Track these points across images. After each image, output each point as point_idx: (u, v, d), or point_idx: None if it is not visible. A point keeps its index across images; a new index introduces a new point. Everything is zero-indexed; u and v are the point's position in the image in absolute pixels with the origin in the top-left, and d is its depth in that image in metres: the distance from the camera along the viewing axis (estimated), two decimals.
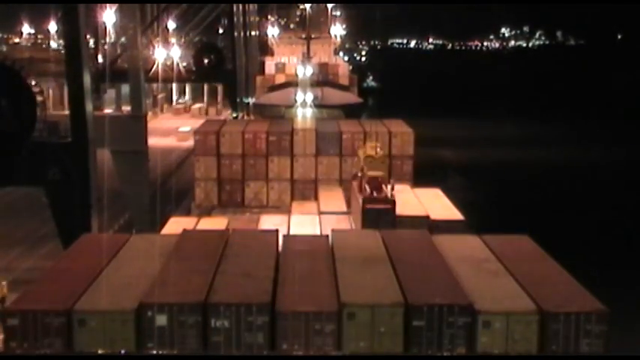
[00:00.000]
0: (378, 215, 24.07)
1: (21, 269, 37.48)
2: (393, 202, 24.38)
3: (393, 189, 24.91)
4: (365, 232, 20.26)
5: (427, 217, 23.87)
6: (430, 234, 20.48)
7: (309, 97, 67.46)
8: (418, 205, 25.44)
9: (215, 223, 26.26)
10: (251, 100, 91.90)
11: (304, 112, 66.14)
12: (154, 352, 14.76)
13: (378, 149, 26.32)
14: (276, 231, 19.98)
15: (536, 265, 17.73)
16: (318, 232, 25.02)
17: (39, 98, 27.76)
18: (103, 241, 19.66)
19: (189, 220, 26.82)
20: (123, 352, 14.72)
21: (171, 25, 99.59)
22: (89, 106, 28.30)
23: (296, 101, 67.62)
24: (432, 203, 25.89)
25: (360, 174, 26.46)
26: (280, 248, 18.71)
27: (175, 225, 24.64)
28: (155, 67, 67.63)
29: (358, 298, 15.20)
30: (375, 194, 24.80)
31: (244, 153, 30.45)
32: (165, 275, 16.35)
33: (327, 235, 19.63)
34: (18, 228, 45.38)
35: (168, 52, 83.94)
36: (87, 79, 28.04)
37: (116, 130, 42.11)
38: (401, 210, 24.23)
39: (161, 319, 14.76)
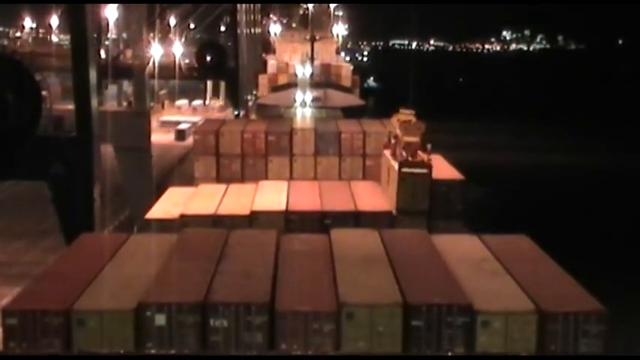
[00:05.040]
0: (415, 180, 24.21)
1: (22, 263, 37.62)
2: (430, 167, 24.64)
3: (429, 154, 25.18)
4: (364, 232, 20.26)
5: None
6: (429, 234, 20.49)
7: (309, 97, 67.55)
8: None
9: None
10: (250, 99, 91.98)
11: (303, 111, 66.17)
12: (153, 351, 14.76)
13: (413, 118, 26.67)
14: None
15: (535, 264, 17.75)
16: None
17: (43, 92, 27.71)
18: (102, 240, 19.67)
19: None
20: (122, 351, 14.71)
21: (173, 22, 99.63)
22: (94, 102, 28.25)
23: (295, 101, 67.69)
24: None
25: (393, 141, 26.63)
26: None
27: None
28: (151, 63, 67.73)
29: (357, 298, 15.21)
30: (410, 159, 24.96)
31: (243, 153, 30.36)
32: (164, 275, 16.39)
33: (327, 235, 19.64)
34: (20, 221, 45.55)
35: (165, 50, 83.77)
36: (92, 74, 27.99)
37: (119, 126, 42.19)
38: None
39: (160, 319, 14.76)
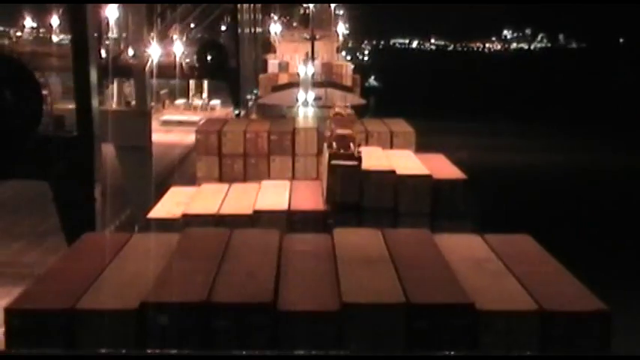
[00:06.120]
0: (344, 172, 24.13)
1: (23, 263, 37.63)
2: (359, 159, 24.66)
3: (359, 147, 25.38)
4: (366, 232, 20.27)
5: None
6: (431, 233, 20.48)
7: (311, 96, 67.34)
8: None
9: None
10: (250, 99, 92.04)
11: (306, 111, 66.02)
12: (156, 351, 14.74)
13: (348, 110, 26.63)
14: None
15: (537, 264, 17.72)
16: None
17: (44, 92, 27.73)
18: (104, 240, 19.65)
19: None
20: (124, 351, 14.69)
21: (173, 21, 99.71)
22: (95, 101, 28.27)
23: (297, 100, 67.55)
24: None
25: (329, 133, 26.75)
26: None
27: None
28: (150, 63, 67.99)
29: (359, 298, 15.19)
30: (342, 151, 24.97)
31: (246, 152, 30.44)
32: (167, 274, 16.37)
33: (329, 235, 19.64)
34: (21, 221, 45.57)
35: (166, 49, 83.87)
36: (93, 74, 28.01)
37: (120, 126, 42.21)
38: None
39: (162, 319, 14.74)
